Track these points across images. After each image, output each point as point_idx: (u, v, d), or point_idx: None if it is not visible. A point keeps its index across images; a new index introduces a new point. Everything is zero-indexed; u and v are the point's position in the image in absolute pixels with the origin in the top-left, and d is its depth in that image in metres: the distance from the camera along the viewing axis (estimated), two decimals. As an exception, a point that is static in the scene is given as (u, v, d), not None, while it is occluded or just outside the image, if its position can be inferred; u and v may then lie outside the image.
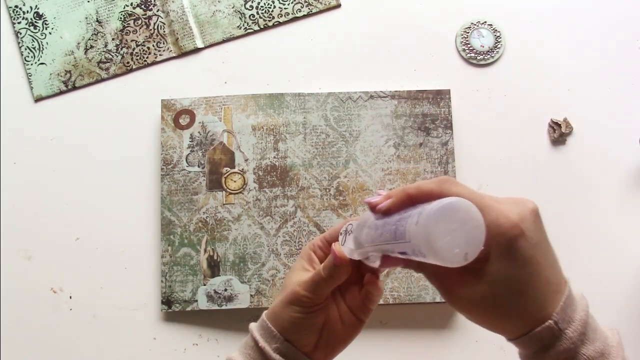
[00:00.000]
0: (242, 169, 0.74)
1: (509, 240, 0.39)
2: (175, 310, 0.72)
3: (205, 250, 0.72)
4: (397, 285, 0.71)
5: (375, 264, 0.44)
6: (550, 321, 0.39)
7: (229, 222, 0.73)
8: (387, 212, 0.42)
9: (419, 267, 0.43)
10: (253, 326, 0.48)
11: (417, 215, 0.38)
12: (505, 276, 0.39)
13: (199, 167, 0.74)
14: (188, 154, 0.74)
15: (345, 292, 0.49)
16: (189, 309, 0.72)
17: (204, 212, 0.73)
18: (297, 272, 0.48)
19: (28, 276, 0.74)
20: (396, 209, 0.42)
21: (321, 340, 0.48)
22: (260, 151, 0.74)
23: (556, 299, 0.40)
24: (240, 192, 0.73)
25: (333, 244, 0.46)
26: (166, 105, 0.75)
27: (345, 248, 0.46)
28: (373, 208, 0.43)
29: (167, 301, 0.72)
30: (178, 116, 0.75)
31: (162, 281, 0.72)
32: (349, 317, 0.49)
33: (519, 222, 0.39)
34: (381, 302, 0.71)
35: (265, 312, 0.48)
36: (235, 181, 0.73)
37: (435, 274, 0.43)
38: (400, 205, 0.41)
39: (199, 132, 0.74)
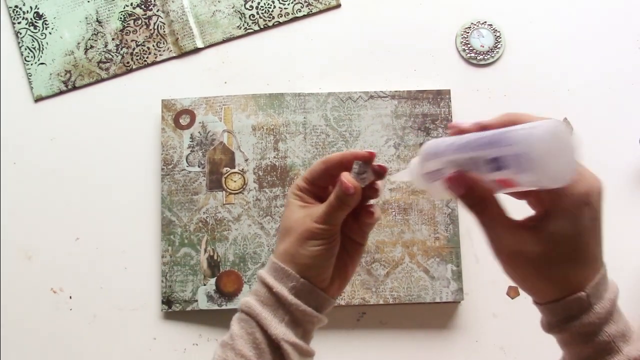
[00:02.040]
0: (242, 169, 0.74)
1: (579, 204, 0.40)
2: (176, 310, 0.72)
3: (205, 250, 0.72)
4: (397, 285, 0.71)
5: (435, 188, 0.44)
6: (582, 293, 0.41)
7: (229, 222, 0.73)
8: (485, 128, 0.43)
9: (480, 201, 0.42)
10: (263, 272, 0.48)
11: (528, 125, 0.38)
12: (562, 238, 0.40)
13: (199, 167, 0.74)
14: (188, 154, 0.74)
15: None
16: (189, 308, 0.72)
17: (204, 212, 0.73)
18: (297, 212, 0.49)
19: (28, 276, 0.74)
20: (497, 126, 0.42)
21: (334, 272, 0.49)
22: (260, 151, 0.74)
23: (592, 275, 0.41)
24: (240, 192, 0.73)
25: (342, 174, 0.47)
26: (166, 105, 0.75)
27: (399, 174, 0.48)
28: (463, 129, 0.44)
29: (167, 301, 0.72)
30: (178, 116, 0.75)
31: (162, 281, 0.72)
32: (350, 244, 0.50)
33: (590, 192, 0.40)
34: (381, 302, 0.71)
35: (272, 257, 0.48)
36: (235, 181, 0.73)
37: (493, 218, 0.42)
38: (503, 124, 0.41)
39: (199, 132, 0.74)
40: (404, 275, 0.71)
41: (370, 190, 0.49)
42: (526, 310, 0.73)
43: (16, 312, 0.74)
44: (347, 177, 0.46)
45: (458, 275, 0.71)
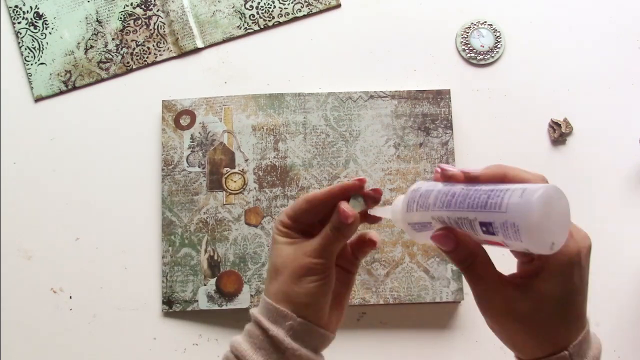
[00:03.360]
0: (242, 169, 0.74)
1: (570, 264, 0.40)
2: (176, 310, 0.72)
3: (205, 251, 0.72)
4: (397, 285, 0.71)
5: (421, 236, 0.43)
6: (565, 352, 0.40)
7: (229, 222, 0.73)
8: (474, 180, 0.41)
9: (469, 257, 0.41)
10: (256, 312, 0.46)
11: (520, 190, 0.36)
12: (552, 298, 0.40)
13: (199, 167, 0.74)
14: (189, 155, 0.74)
15: None
16: (189, 309, 0.72)
17: (204, 213, 0.73)
18: (286, 249, 0.46)
19: (28, 276, 0.74)
20: (486, 179, 0.41)
21: (330, 306, 0.47)
22: (260, 151, 0.74)
23: (577, 333, 0.41)
24: (240, 192, 0.73)
25: (341, 203, 0.45)
26: (167, 106, 0.75)
27: (382, 210, 0.45)
28: (449, 175, 0.42)
29: (168, 301, 0.72)
30: (179, 117, 0.75)
31: (163, 281, 0.72)
32: (343, 275, 0.49)
33: (580, 251, 0.41)
34: (381, 302, 0.71)
35: (264, 296, 0.46)
36: (235, 181, 0.73)
37: (482, 275, 0.42)
38: (492, 178, 0.41)
39: (199, 133, 0.74)
40: (404, 275, 0.71)
41: (369, 218, 0.47)
42: (526, 310, 0.73)
43: (16, 312, 0.74)
44: (345, 206, 0.44)
45: (458, 275, 0.71)
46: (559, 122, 0.75)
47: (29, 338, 0.73)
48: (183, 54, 0.78)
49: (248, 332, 0.45)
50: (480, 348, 0.72)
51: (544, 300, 0.40)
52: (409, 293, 0.71)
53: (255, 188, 0.73)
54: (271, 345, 0.44)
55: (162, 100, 0.75)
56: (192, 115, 0.75)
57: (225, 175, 0.74)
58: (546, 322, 0.40)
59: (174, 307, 0.72)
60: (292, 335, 0.44)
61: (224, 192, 0.74)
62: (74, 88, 0.78)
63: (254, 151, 0.74)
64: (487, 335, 0.72)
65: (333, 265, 0.45)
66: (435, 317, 0.72)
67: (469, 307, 0.72)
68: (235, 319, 0.72)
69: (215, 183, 0.74)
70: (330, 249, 0.45)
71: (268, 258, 0.53)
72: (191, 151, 0.74)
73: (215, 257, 0.72)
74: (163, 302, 0.72)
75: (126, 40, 0.78)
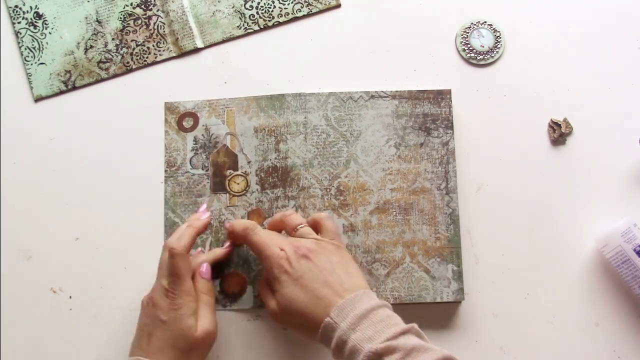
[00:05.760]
0: (245, 172, 0.74)
1: (276, 276, 0.60)
2: (177, 310, 0.72)
3: (209, 252, 0.72)
4: (398, 285, 0.71)
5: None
6: (327, 319, 0.57)
7: (233, 223, 0.73)
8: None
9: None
10: None
11: None
12: (281, 299, 0.60)
13: (202, 169, 0.74)
14: (192, 157, 0.74)
15: None
16: (190, 309, 0.72)
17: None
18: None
19: (28, 276, 0.74)
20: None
21: None
22: (262, 153, 0.74)
23: (329, 308, 0.57)
24: (243, 194, 0.73)
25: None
26: (169, 107, 0.75)
27: None
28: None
29: (168, 301, 0.72)
30: (181, 119, 0.75)
31: (164, 282, 0.72)
32: None
33: (283, 262, 0.60)
34: (382, 301, 0.71)
35: None
36: (238, 183, 0.73)
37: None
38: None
39: (202, 135, 0.74)
40: (404, 275, 0.71)
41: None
42: (526, 310, 0.73)
43: (16, 312, 0.74)
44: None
45: (459, 275, 0.71)
46: (559, 122, 0.75)
47: (29, 338, 0.73)
48: (183, 54, 0.78)
49: None
50: (480, 348, 0.72)
51: (278, 303, 0.61)
52: (410, 293, 0.71)
53: (257, 190, 0.73)
54: None
55: (165, 102, 0.75)
56: (195, 118, 0.75)
57: (229, 178, 0.74)
58: (291, 316, 0.60)
59: (175, 307, 0.72)
60: None
61: (228, 194, 0.73)
62: (74, 88, 0.78)
63: (256, 153, 0.74)
64: (487, 335, 0.73)
65: None
66: (435, 317, 0.72)
67: (470, 307, 0.72)
68: (238, 320, 0.72)
69: (219, 185, 0.74)
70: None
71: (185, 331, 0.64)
72: (194, 153, 0.74)
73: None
74: (164, 303, 0.72)
75: (126, 40, 0.78)
